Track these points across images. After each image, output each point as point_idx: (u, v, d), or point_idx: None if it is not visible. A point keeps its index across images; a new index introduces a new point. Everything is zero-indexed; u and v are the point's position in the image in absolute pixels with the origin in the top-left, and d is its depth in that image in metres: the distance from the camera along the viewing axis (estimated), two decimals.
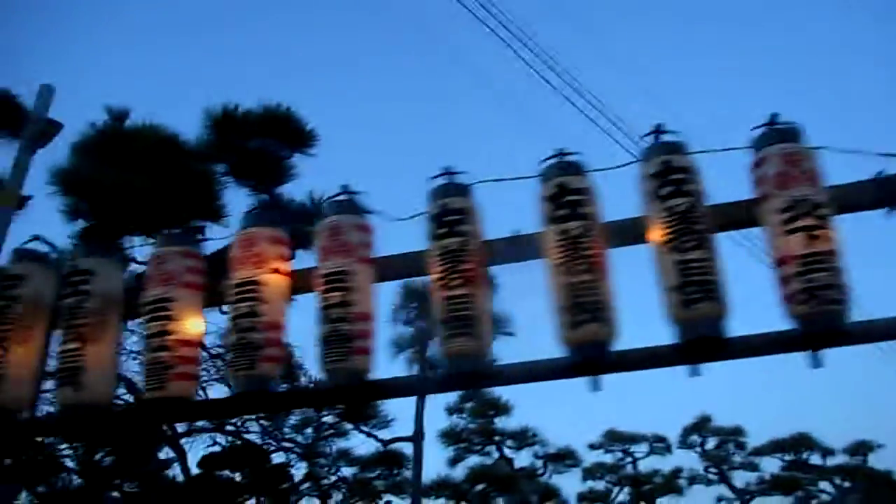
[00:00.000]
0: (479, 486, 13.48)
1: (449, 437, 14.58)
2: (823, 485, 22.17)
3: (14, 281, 2.77)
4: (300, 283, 2.84)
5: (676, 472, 20.81)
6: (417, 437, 12.74)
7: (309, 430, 15.39)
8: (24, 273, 2.82)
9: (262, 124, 6.65)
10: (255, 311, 2.66)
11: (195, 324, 2.87)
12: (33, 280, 2.81)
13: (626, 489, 19.46)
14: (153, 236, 6.19)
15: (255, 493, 14.54)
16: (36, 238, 2.94)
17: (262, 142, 6.73)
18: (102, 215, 5.85)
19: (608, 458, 19.55)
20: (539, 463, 16.15)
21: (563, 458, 16.96)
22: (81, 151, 6.21)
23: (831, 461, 21.53)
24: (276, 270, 2.81)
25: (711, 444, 21.88)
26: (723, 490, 22.65)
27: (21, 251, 2.92)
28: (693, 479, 21.55)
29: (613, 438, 20.13)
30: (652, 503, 20.07)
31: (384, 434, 13.32)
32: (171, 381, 2.67)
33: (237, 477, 14.07)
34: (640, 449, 20.70)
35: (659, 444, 20.76)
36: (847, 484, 21.54)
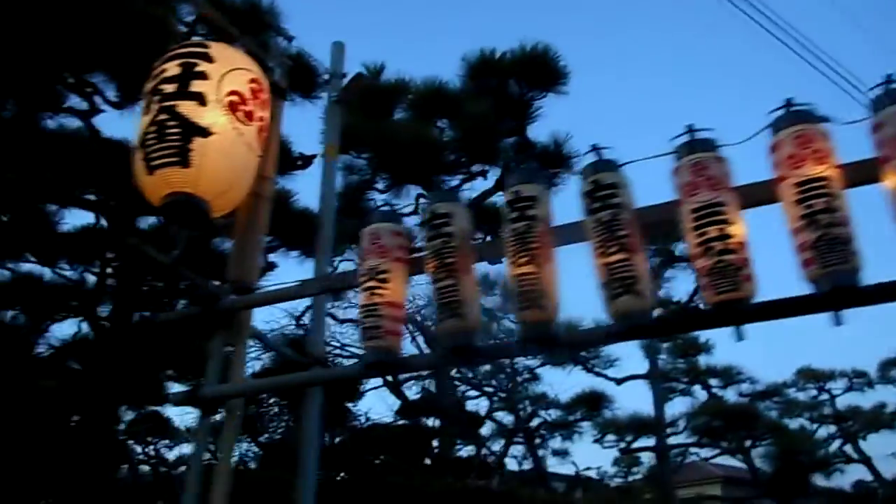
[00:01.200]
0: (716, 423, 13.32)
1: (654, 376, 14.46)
2: None
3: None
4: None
5: (880, 408, 19.55)
6: (652, 375, 12.72)
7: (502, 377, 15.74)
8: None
9: (517, 66, 6.67)
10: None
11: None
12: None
13: (829, 427, 18.55)
14: (429, 185, 6.44)
15: (452, 438, 15.06)
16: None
17: (517, 83, 6.76)
18: (390, 167, 6.11)
19: (801, 396, 18.68)
20: (745, 401, 15.69)
21: (771, 396, 16.39)
22: (355, 107, 6.47)
23: None
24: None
25: None
26: None
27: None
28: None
29: (808, 376, 19.13)
30: (854, 441, 18.97)
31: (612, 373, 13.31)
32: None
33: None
34: (838, 386, 19.58)
35: (858, 380, 19.54)
36: None
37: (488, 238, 5.99)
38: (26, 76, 4.81)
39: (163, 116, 3.36)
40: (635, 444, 15.05)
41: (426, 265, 2.74)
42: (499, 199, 7.79)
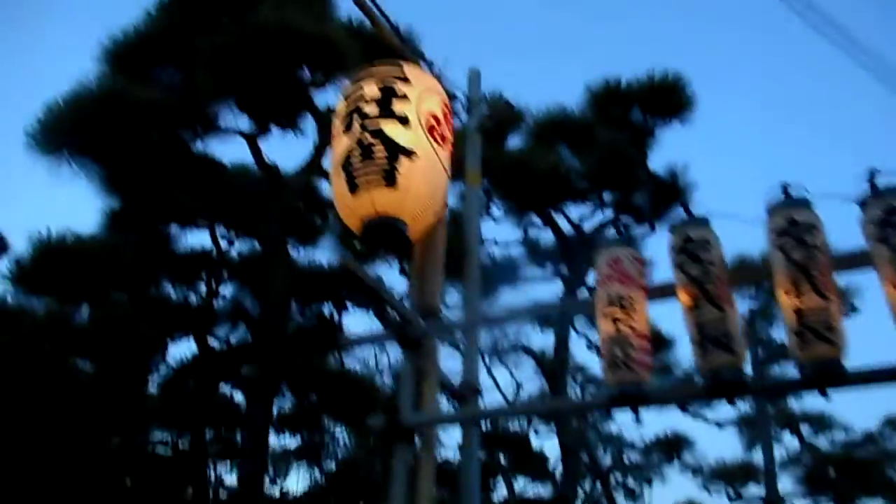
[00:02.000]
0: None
1: (742, 421, 13.88)
2: None
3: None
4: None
5: None
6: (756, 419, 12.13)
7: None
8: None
9: (643, 94, 6.54)
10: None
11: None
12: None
13: None
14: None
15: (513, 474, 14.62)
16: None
17: (641, 112, 6.62)
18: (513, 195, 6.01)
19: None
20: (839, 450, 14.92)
21: (865, 445, 15.57)
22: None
23: None
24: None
25: None
26: None
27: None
28: None
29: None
30: None
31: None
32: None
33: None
34: None
35: None
36: None
37: None
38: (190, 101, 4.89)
39: (367, 137, 3.31)
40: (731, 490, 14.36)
41: (681, 294, 2.58)
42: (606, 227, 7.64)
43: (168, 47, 5.15)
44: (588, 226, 7.20)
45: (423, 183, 3.35)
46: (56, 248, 5.21)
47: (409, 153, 3.28)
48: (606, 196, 6.47)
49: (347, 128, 3.40)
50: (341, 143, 3.41)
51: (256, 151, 5.42)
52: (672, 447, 13.91)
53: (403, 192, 3.26)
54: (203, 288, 7.44)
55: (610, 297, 2.68)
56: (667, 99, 6.54)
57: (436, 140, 3.46)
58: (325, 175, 5.62)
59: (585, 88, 6.64)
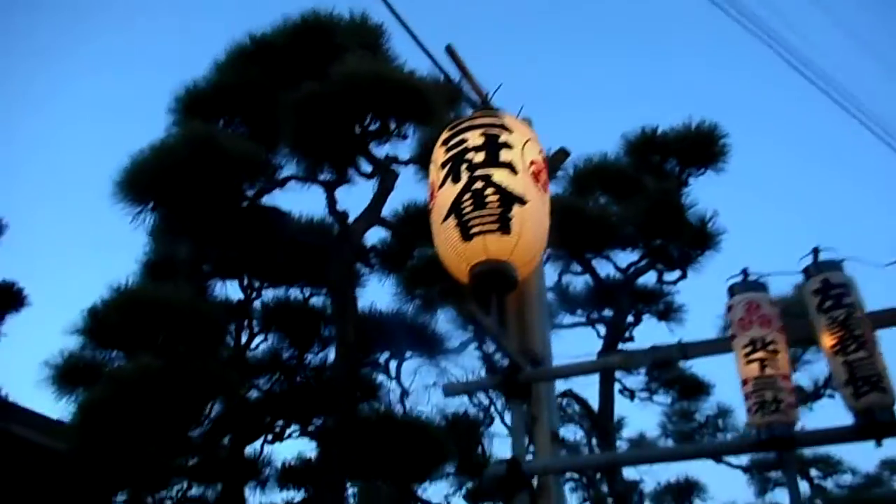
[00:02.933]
0: None
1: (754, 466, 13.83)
2: None
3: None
4: None
5: None
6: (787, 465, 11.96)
7: None
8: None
9: (678, 144, 6.70)
10: None
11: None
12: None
13: None
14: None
15: None
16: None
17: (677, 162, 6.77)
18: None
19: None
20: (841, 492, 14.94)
21: (871, 488, 15.60)
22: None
23: None
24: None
25: None
26: None
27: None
28: None
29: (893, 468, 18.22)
30: None
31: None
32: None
33: None
34: None
35: None
36: None
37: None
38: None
39: (479, 185, 3.33)
40: None
41: (825, 337, 2.62)
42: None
43: (235, 100, 5.21)
44: (620, 272, 7.30)
45: (533, 229, 3.37)
46: (134, 299, 5.13)
47: (521, 200, 3.31)
48: (652, 243, 6.58)
49: (455, 177, 3.44)
50: (448, 192, 3.44)
51: (332, 200, 5.43)
52: (685, 492, 13.82)
53: (516, 237, 3.28)
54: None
55: (753, 340, 2.70)
56: (702, 148, 6.71)
57: (542, 188, 3.52)
58: (380, 222, 5.62)
59: (622, 137, 6.83)
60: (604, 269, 7.28)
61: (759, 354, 2.68)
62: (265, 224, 5.29)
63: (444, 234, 3.39)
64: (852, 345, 2.58)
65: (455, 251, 3.35)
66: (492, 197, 3.29)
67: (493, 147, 3.45)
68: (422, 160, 5.15)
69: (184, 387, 4.55)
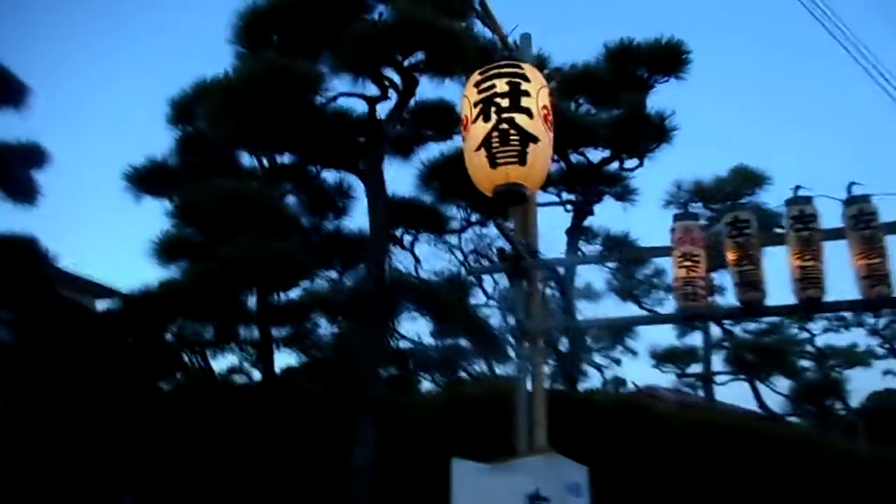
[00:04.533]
0: None
1: None
2: None
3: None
4: None
5: (853, 347, 21.81)
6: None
7: None
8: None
9: (650, 54, 7.72)
10: None
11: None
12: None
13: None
14: None
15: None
16: None
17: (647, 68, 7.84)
18: None
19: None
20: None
21: (771, 333, 18.35)
22: None
23: None
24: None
25: (882, 322, 22.68)
26: (890, 364, 23.73)
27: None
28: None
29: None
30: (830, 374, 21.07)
31: None
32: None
33: None
34: (816, 326, 21.63)
35: (837, 322, 21.60)
36: None
37: None
38: None
39: (504, 126, 4.43)
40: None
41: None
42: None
43: (290, 20, 5.86)
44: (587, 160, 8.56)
45: (542, 160, 4.55)
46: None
47: (535, 139, 4.47)
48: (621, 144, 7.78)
49: (486, 117, 4.55)
50: (479, 128, 4.56)
51: (372, 110, 6.34)
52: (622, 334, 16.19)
53: (530, 168, 4.47)
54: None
55: (684, 253, 4.09)
56: (668, 59, 7.72)
57: (549, 126, 4.67)
58: (402, 122, 6.64)
59: (604, 46, 7.77)
60: (575, 158, 8.51)
61: (687, 263, 4.09)
62: (321, 123, 6.17)
63: (476, 161, 4.55)
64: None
65: (484, 174, 4.52)
66: (514, 137, 4.42)
67: (515, 94, 4.54)
68: (436, 68, 6.08)
69: (272, 267, 5.71)
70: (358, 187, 7.18)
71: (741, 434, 8.92)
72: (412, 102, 6.49)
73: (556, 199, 8.93)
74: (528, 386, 4.49)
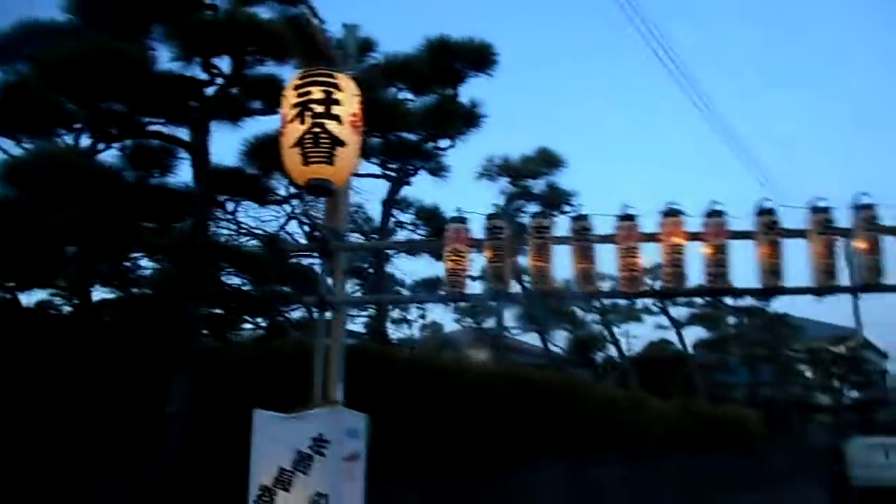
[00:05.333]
0: None
1: None
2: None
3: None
4: None
5: (631, 305, 25.29)
6: None
7: None
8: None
9: (465, 50, 8.69)
10: None
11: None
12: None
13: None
14: None
15: None
16: None
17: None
18: None
19: None
20: None
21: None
22: None
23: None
24: None
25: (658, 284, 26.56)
26: (662, 319, 27.85)
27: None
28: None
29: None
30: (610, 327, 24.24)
31: None
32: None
33: None
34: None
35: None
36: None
37: None
38: None
39: (317, 130, 5.18)
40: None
41: (487, 251, 5.12)
42: None
43: None
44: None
45: (348, 161, 5.34)
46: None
47: (343, 144, 5.25)
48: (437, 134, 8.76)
49: (301, 119, 5.24)
50: (296, 128, 5.25)
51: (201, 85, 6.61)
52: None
53: (337, 167, 5.25)
54: None
55: (453, 249, 5.16)
56: (480, 56, 8.74)
57: (356, 131, 5.46)
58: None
59: (426, 39, 8.58)
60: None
61: (454, 258, 5.17)
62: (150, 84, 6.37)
63: (291, 156, 5.23)
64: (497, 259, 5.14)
65: (297, 169, 5.23)
66: (324, 140, 5.15)
67: (328, 103, 5.27)
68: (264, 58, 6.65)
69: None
70: (185, 150, 7.51)
71: (517, 383, 10.57)
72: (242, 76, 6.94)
73: (378, 169, 9.82)
74: (329, 345, 5.37)
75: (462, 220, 5.29)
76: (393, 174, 9.91)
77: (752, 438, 23.32)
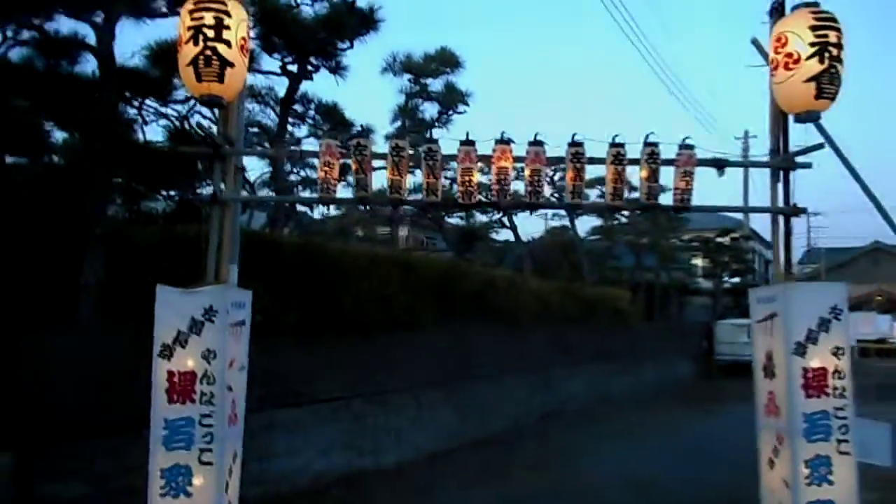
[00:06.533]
0: None
1: None
2: None
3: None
4: None
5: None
6: None
7: None
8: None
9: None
10: None
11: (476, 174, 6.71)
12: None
13: None
14: None
15: None
16: None
17: None
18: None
19: None
20: None
21: None
22: None
23: None
24: None
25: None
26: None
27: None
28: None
29: None
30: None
31: None
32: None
33: None
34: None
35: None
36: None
37: None
38: None
39: (208, 52, 6.01)
40: None
41: (353, 163, 6.27)
42: None
43: None
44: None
45: (238, 79, 6.21)
46: None
47: (232, 65, 6.12)
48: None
49: (195, 42, 6.05)
50: (190, 50, 6.06)
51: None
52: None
53: (227, 85, 6.14)
54: None
55: (326, 161, 6.29)
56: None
57: (244, 54, 6.31)
58: None
59: None
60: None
61: (326, 168, 6.33)
62: None
63: (187, 73, 6.09)
64: (362, 172, 6.33)
65: (192, 84, 6.10)
66: (215, 62, 6.02)
67: (219, 28, 6.08)
68: None
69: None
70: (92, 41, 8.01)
71: (401, 266, 12.06)
72: None
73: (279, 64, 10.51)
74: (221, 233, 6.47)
75: (335, 136, 6.40)
76: (292, 72, 10.62)
77: (629, 317, 26.08)
